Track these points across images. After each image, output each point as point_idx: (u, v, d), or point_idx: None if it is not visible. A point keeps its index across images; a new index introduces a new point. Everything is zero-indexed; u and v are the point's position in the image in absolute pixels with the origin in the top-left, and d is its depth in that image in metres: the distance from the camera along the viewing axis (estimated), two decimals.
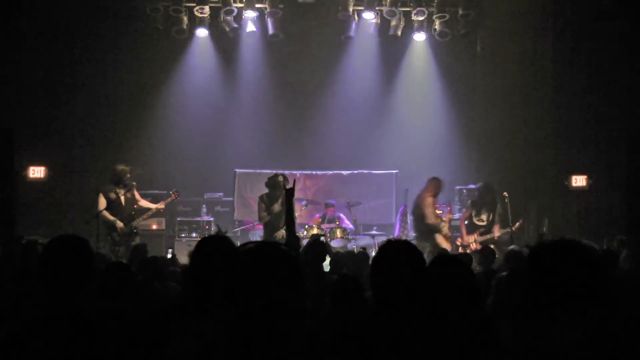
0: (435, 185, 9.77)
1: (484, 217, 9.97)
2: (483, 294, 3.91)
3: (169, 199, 9.53)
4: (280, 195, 9.02)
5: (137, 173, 9.50)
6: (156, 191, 10.79)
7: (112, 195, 8.95)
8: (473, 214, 10.03)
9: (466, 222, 10.09)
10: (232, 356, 1.72)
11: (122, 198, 9.04)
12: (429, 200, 9.65)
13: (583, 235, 10.17)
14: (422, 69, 12.26)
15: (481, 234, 9.85)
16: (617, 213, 10.44)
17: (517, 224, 9.73)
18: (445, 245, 9.40)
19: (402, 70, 12.34)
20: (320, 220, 10.58)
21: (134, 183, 9.22)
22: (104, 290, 3.44)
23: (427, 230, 9.59)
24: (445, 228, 9.69)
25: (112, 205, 8.94)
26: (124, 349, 2.49)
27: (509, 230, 9.62)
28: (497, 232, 9.81)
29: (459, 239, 10.08)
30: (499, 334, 2.60)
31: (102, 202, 8.95)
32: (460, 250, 9.74)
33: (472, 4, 11.54)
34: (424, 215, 9.60)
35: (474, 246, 9.70)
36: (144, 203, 9.41)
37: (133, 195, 9.21)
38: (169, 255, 7.38)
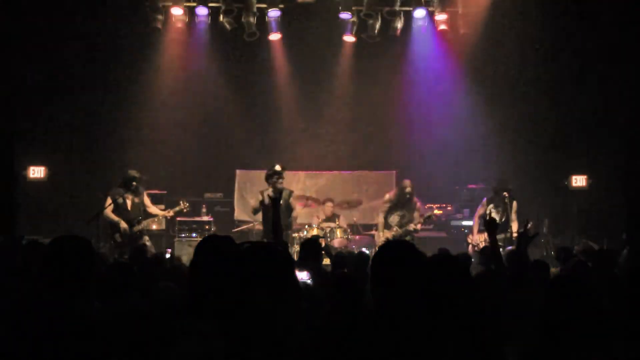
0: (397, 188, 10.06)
1: (496, 215, 9.54)
2: (482, 295, 3.92)
3: (177, 208, 9.62)
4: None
5: (145, 179, 9.57)
6: (156, 191, 10.79)
7: (119, 199, 9.04)
8: (488, 212, 9.65)
9: (480, 221, 9.75)
10: (232, 356, 1.72)
11: (129, 202, 9.12)
12: (385, 196, 10.10)
13: (583, 235, 10.19)
14: (421, 69, 12.25)
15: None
16: (617, 213, 10.46)
17: (525, 227, 9.46)
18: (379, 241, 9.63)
19: (401, 70, 12.34)
20: (320, 220, 10.57)
21: (142, 189, 9.36)
22: (105, 291, 3.44)
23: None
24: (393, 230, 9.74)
25: (119, 209, 9.04)
26: (128, 349, 2.49)
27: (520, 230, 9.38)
28: (515, 229, 9.36)
29: (470, 237, 9.89)
30: (499, 335, 2.60)
31: (109, 205, 9.02)
32: (470, 248, 9.56)
33: (471, 3, 11.53)
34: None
35: (482, 245, 9.49)
36: (153, 209, 9.52)
37: (142, 201, 9.32)
38: (167, 255, 7.40)
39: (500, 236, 9.30)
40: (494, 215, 9.55)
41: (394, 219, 9.77)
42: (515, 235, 9.27)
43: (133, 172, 9.27)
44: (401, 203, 9.76)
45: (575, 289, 2.83)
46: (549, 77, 11.73)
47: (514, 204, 9.65)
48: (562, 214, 11.44)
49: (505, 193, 9.64)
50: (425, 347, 2.41)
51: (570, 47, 11.42)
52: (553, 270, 5.72)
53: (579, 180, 11.33)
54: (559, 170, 11.71)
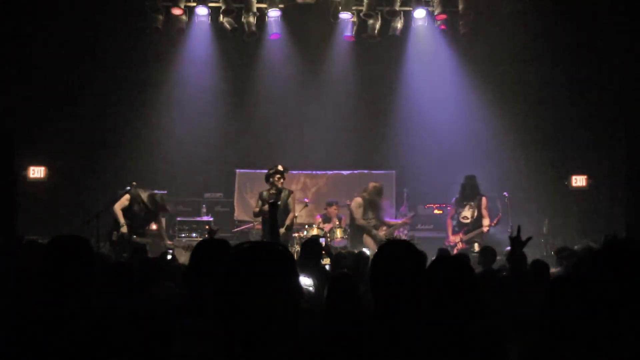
0: (373, 188, 9.84)
1: (467, 213, 9.74)
2: (484, 294, 3.91)
3: (181, 245, 9.88)
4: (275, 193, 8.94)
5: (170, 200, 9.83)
6: (155, 191, 10.78)
7: (135, 207, 9.05)
8: (458, 212, 9.88)
9: (454, 221, 9.94)
10: (232, 356, 1.72)
11: (142, 215, 9.14)
12: (358, 200, 9.78)
13: (583, 235, 10.19)
14: (421, 69, 12.25)
15: (466, 233, 9.73)
16: (617, 213, 10.46)
17: (496, 219, 9.61)
18: (372, 247, 9.41)
19: (402, 70, 12.34)
20: (320, 220, 10.57)
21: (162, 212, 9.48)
22: (105, 291, 3.44)
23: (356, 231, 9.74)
24: (378, 231, 9.64)
25: (130, 212, 9.04)
26: (128, 349, 2.49)
27: (492, 224, 9.53)
28: (485, 224, 9.59)
29: (447, 240, 9.99)
30: (500, 335, 2.60)
31: (123, 202, 9.03)
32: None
33: (472, 3, 11.53)
34: (353, 217, 9.75)
35: (460, 246, 9.59)
36: (162, 233, 9.58)
37: (157, 218, 9.36)
38: (169, 257, 7.41)
39: (476, 232, 9.60)
40: (465, 213, 9.74)
41: (371, 220, 9.77)
42: (485, 229, 9.53)
43: (162, 202, 9.27)
44: (375, 203, 9.77)
45: (575, 289, 2.83)
46: (549, 77, 11.72)
47: (483, 200, 9.79)
48: (562, 214, 11.44)
49: (505, 193, 9.77)
50: (425, 347, 2.41)
51: (570, 47, 11.42)
52: (553, 270, 5.72)
53: (579, 180, 11.34)
54: (559, 170, 11.71)
